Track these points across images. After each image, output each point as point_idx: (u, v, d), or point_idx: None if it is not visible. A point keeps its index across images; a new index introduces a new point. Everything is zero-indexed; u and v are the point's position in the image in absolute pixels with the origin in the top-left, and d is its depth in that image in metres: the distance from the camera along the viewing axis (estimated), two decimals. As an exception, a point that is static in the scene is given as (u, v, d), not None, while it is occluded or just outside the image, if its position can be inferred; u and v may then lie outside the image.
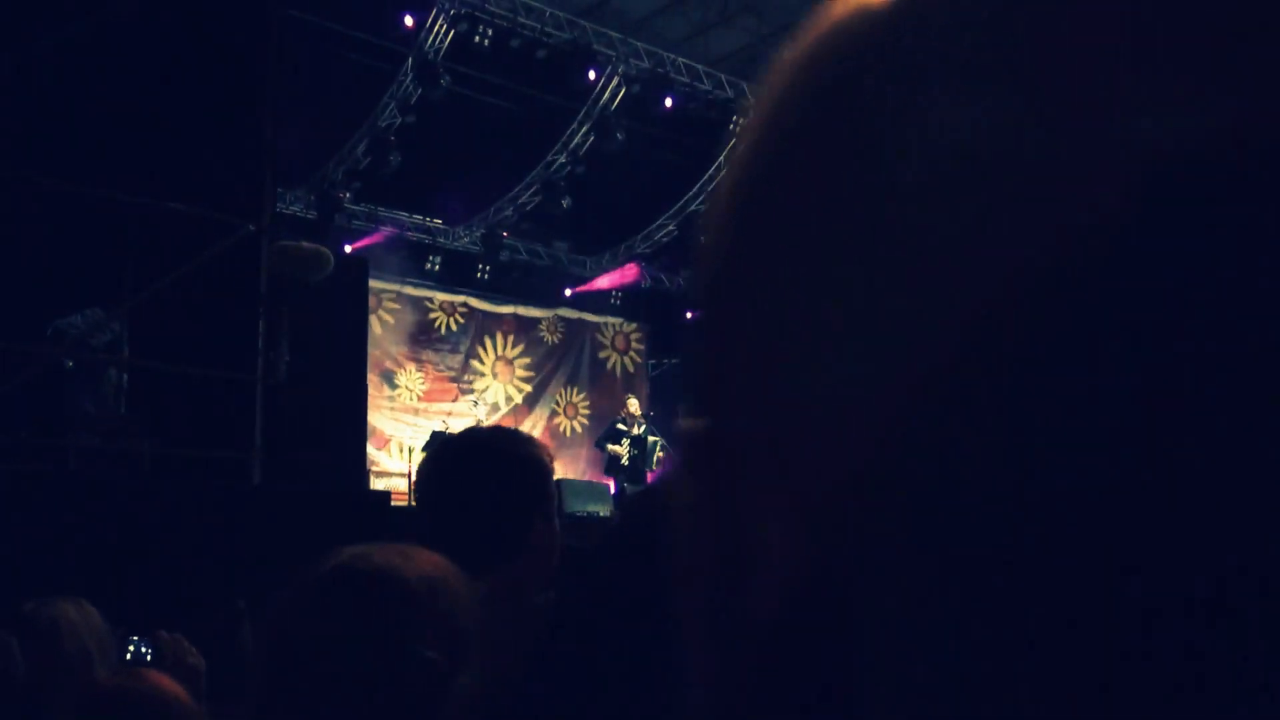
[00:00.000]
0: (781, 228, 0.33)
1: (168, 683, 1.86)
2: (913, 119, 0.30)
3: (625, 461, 13.59)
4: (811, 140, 0.33)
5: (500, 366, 18.01)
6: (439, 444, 2.21)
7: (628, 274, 18.63)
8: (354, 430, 10.08)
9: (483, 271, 17.31)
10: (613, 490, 13.06)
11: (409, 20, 13.93)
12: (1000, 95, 0.29)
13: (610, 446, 13.67)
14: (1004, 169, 0.28)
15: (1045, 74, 0.28)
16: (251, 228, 8.05)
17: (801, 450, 0.31)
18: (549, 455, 2.20)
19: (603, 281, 18.64)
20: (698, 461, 0.37)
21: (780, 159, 0.34)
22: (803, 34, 0.35)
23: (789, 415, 0.31)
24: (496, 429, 2.40)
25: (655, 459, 14.21)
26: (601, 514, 11.07)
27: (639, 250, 18.31)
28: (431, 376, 17.21)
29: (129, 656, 2.30)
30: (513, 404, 18.00)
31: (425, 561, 1.46)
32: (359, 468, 10.43)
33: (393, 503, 8.38)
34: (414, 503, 2.15)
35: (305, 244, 9.17)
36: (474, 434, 2.27)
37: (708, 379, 0.36)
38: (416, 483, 2.11)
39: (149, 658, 2.34)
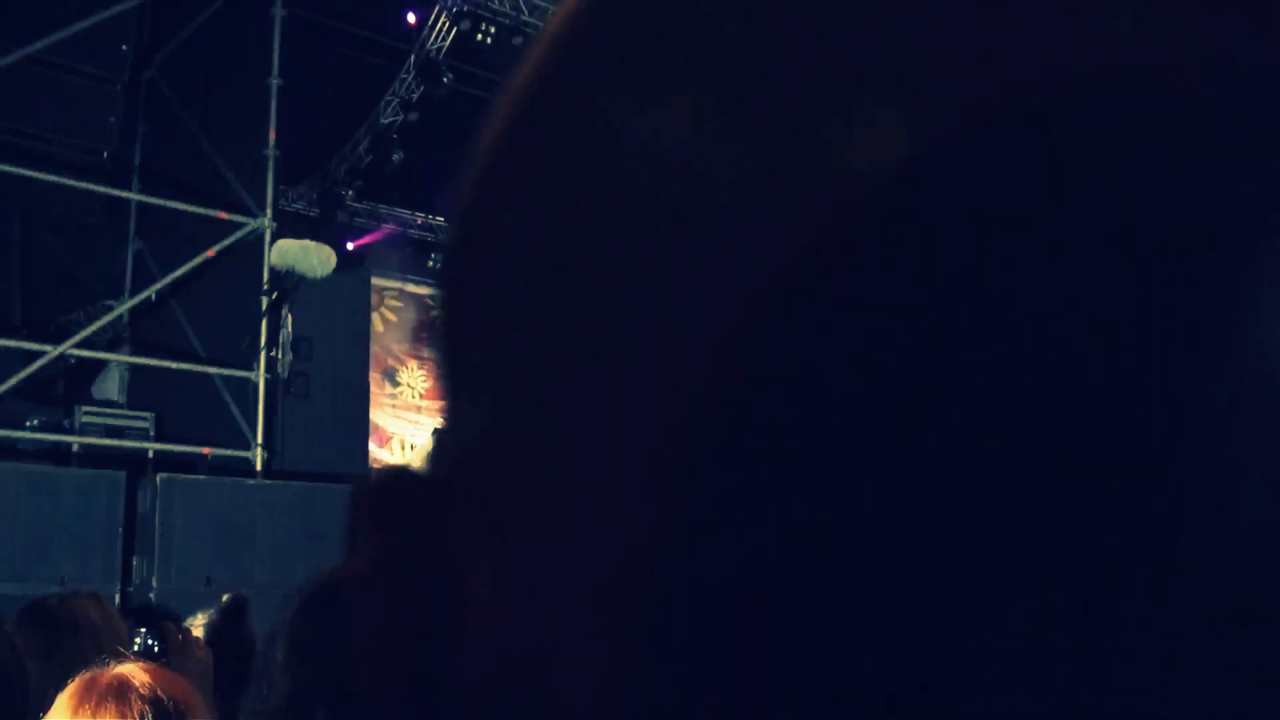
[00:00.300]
0: (505, 223, 0.32)
1: (168, 676, 1.86)
2: (609, 124, 0.28)
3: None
4: (531, 134, 0.32)
5: (502, 364, 18.00)
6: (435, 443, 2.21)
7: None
8: (357, 426, 10.10)
9: (486, 269, 17.29)
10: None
11: (411, 18, 13.93)
12: (695, 107, 0.27)
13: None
14: (699, 192, 0.26)
15: (739, 87, 0.26)
16: (254, 224, 8.06)
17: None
18: None
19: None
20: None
21: (506, 151, 0.33)
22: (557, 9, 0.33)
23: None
24: None
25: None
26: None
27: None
28: (434, 374, 17.16)
29: (136, 649, 2.31)
30: (515, 401, 17.99)
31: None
32: (361, 464, 10.44)
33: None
34: None
35: (309, 241, 9.19)
36: None
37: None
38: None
39: (156, 649, 2.35)
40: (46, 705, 1.57)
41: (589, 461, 0.27)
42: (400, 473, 0.34)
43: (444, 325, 0.34)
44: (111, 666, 1.71)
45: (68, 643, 1.99)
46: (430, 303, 17.25)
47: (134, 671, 1.74)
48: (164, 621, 2.45)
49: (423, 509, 0.32)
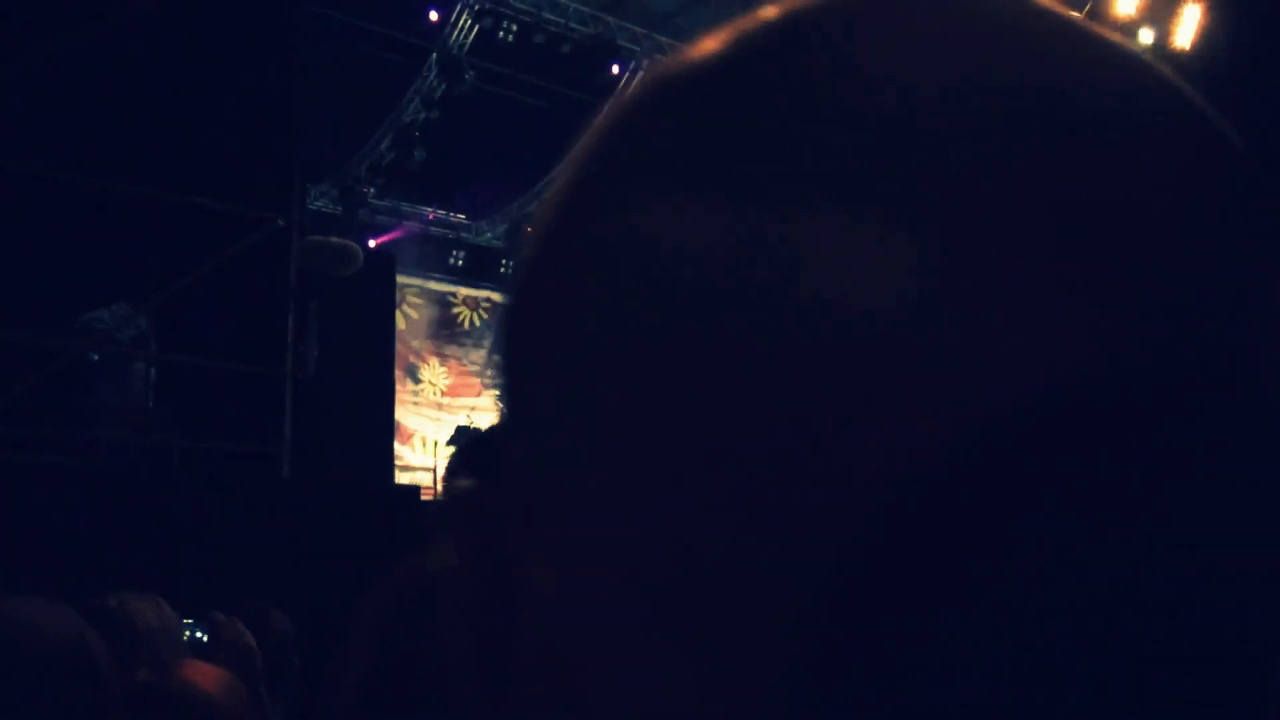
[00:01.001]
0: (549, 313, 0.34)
1: (206, 678, 1.84)
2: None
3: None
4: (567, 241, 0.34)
5: (523, 362, 18.03)
6: (467, 438, 2.19)
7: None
8: (381, 424, 10.10)
9: (507, 267, 17.32)
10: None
11: (433, 15, 13.93)
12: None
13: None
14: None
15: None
16: (281, 222, 8.05)
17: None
18: None
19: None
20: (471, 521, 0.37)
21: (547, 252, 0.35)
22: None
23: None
24: None
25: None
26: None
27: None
28: (455, 371, 17.23)
29: (185, 639, 2.30)
30: (535, 399, 18.01)
31: None
32: (386, 461, 10.44)
33: (422, 497, 8.38)
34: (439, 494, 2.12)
35: (335, 239, 9.18)
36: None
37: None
38: (445, 476, 2.10)
39: (204, 640, 2.34)
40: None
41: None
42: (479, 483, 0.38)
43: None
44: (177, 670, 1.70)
45: (125, 647, 1.97)
46: (451, 299, 17.28)
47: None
48: (211, 612, 2.44)
49: (496, 520, 0.36)
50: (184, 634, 2.35)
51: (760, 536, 0.27)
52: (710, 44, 0.34)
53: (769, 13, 0.32)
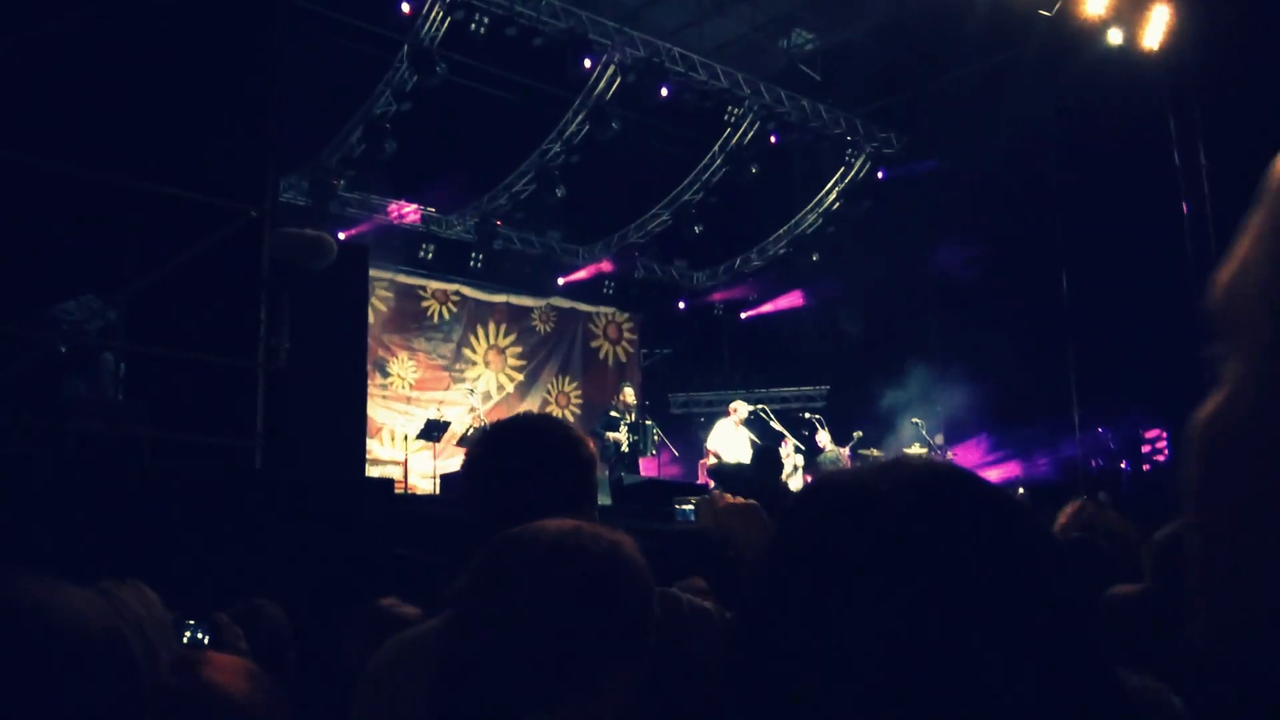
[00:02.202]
0: None
1: (229, 674, 1.83)
2: None
3: (625, 448, 13.60)
4: None
5: (492, 355, 17.99)
6: (496, 428, 2.20)
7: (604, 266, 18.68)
8: (353, 417, 10.06)
9: (476, 260, 17.28)
10: (609, 477, 13.06)
11: (405, 7, 13.86)
12: None
13: (609, 434, 13.66)
14: None
15: None
16: (253, 213, 8.00)
17: None
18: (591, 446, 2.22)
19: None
20: None
21: None
22: None
23: None
24: (548, 417, 2.39)
25: (653, 444, 14.23)
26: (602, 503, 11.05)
27: (632, 240, 18.30)
28: (424, 365, 17.18)
29: (185, 640, 2.28)
30: (504, 393, 17.99)
31: None
32: (358, 454, 10.40)
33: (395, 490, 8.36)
34: (465, 482, 2.10)
35: (308, 230, 9.13)
36: (530, 420, 2.26)
37: None
38: (466, 462, 2.10)
39: (206, 641, 2.32)
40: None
41: None
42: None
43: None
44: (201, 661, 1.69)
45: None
46: (421, 293, 17.21)
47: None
48: (216, 613, 2.43)
49: None
50: (186, 634, 2.33)
51: None
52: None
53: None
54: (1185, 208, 13.37)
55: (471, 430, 14.77)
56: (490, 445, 2.14)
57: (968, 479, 0.80)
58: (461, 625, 1.46)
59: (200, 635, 2.33)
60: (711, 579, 2.65)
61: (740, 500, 2.25)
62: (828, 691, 0.68)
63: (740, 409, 13.75)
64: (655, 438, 14.13)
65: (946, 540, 0.74)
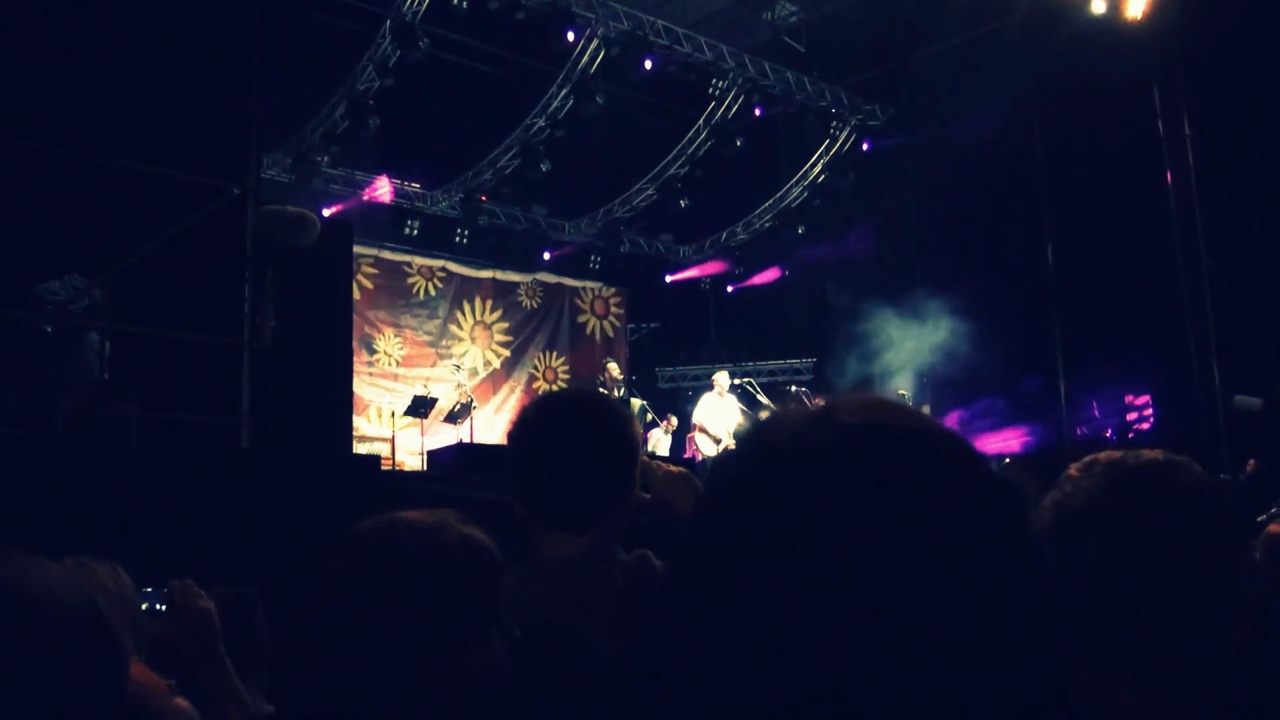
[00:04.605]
0: None
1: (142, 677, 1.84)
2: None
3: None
4: None
5: (479, 331, 17.97)
6: (540, 401, 2.20)
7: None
8: (339, 394, 10.05)
9: (461, 235, 17.23)
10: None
11: (387, -19, 13.77)
12: None
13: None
14: None
15: None
16: (236, 191, 7.97)
17: None
18: (636, 421, 2.26)
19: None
20: None
21: None
22: None
23: None
24: (593, 392, 2.42)
25: (644, 422, 14.21)
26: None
27: (618, 214, 18.27)
28: (410, 341, 17.16)
29: (144, 609, 2.30)
30: (491, 368, 17.98)
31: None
32: (345, 431, 10.40)
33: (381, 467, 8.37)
34: (509, 457, 2.11)
35: (291, 208, 9.10)
36: (576, 395, 2.29)
37: None
38: (514, 438, 2.09)
39: (162, 609, 2.34)
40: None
41: None
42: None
43: None
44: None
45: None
46: (406, 269, 17.17)
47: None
48: (169, 580, 2.44)
49: None
50: (143, 604, 2.35)
51: None
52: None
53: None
54: (1169, 177, 13.41)
55: (458, 406, 14.77)
56: (541, 423, 2.11)
57: (906, 441, 0.72)
58: (293, 628, 1.51)
59: (158, 605, 2.35)
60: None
61: (675, 469, 2.35)
62: (735, 655, 0.67)
63: (721, 380, 13.78)
64: (648, 417, 14.04)
65: (855, 517, 0.68)
